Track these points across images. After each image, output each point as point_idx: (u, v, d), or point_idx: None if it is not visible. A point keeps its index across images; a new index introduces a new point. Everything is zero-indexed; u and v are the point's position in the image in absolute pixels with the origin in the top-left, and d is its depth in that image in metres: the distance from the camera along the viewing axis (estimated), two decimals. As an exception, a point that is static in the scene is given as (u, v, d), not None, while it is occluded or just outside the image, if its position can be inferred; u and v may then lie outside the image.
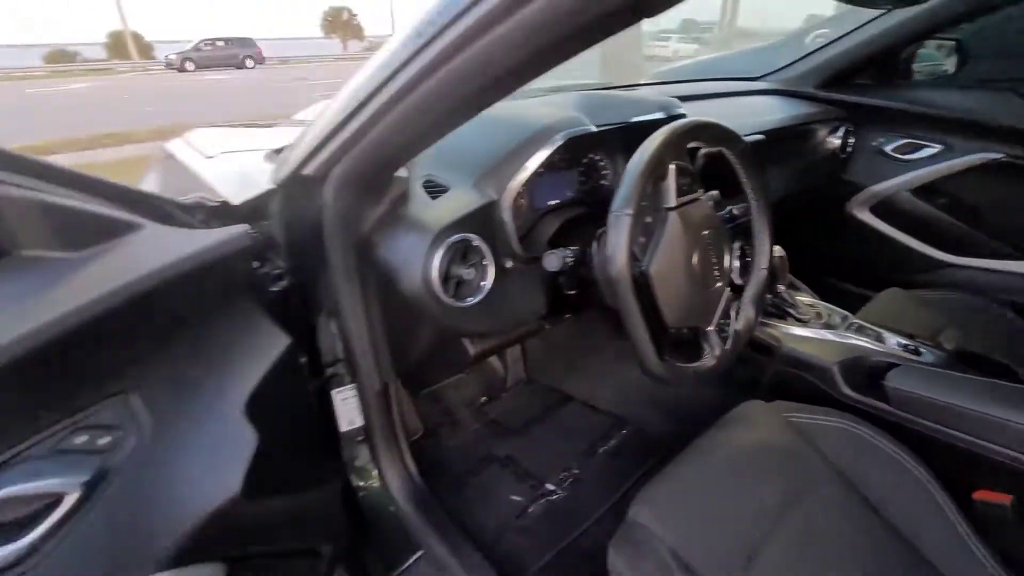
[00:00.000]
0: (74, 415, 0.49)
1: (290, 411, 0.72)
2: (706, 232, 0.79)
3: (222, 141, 1.16)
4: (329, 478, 0.83)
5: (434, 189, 0.82)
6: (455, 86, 0.50)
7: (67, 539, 0.46)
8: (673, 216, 0.74)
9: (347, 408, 0.99)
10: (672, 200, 0.74)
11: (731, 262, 0.85)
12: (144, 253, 0.52)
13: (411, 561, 0.95)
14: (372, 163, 0.68)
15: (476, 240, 0.77)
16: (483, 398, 1.52)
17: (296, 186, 0.76)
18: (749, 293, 0.89)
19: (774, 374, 1.08)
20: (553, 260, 0.79)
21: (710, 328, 0.81)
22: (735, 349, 0.83)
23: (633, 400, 1.41)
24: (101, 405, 0.51)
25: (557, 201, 0.99)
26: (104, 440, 0.50)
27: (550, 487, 1.21)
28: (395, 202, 0.79)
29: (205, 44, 19.17)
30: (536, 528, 1.11)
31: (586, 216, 0.98)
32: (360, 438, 1.00)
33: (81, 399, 0.50)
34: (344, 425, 0.99)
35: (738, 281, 0.90)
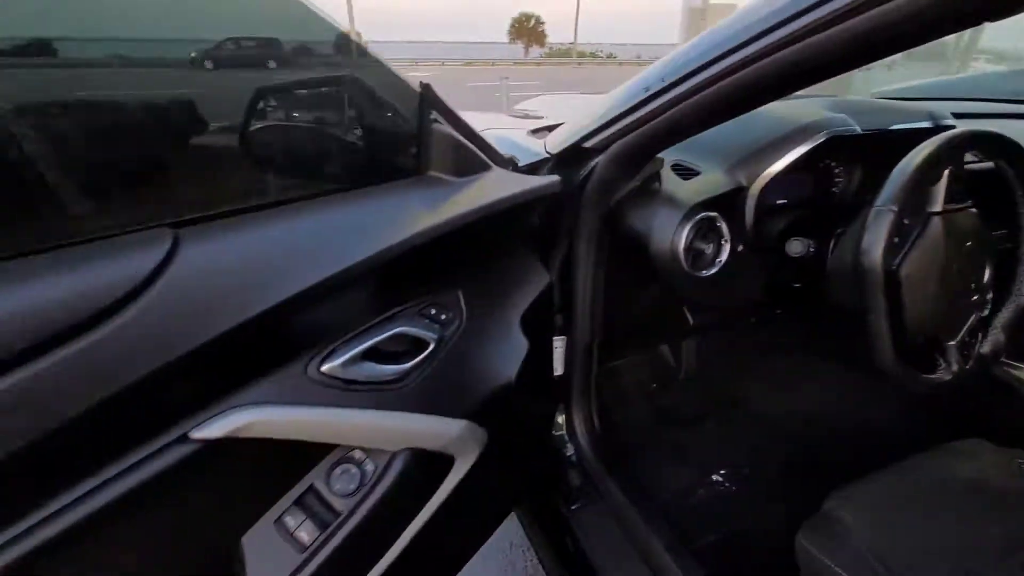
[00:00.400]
0: (430, 294, 0.69)
1: (540, 336, 0.87)
2: (968, 244, 0.77)
3: (473, 120, 1.39)
4: (548, 401, 0.98)
5: (684, 171, 0.92)
6: (750, 86, 0.58)
7: (423, 373, 0.65)
8: (936, 221, 0.74)
9: (554, 356, 1.14)
10: (939, 205, 0.74)
11: (990, 281, 0.82)
12: (492, 187, 0.70)
13: (588, 502, 1.07)
14: (648, 143, 0.80)
15: (720, 220, 0.86)
16: (653, 385, 1.59)
17: (570, 156, 0.92)
18: (1003, 317, 0.84)
19: (1009, 417, 0.99)
20: (797, 246, 0.84)
21: (951, 343, 0.79)
22: (976, 370, 0.80)
23: (815, 418, 1.36)
24: (444, 292, 0.71)
25: (785, 201, 1.03)
26: (444, 316, 0.70)
27: (717, 479, 1.24)
28: (647, 179, 0.91)
29: (229, 43, 21.14)
30: (702, 509, 1.16)
31: (813, 218, 1.00)
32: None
33: (435, 284, 0.70)
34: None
35: (986, 309, 0.85)
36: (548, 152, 0.98)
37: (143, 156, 0.50)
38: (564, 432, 1.16)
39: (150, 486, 0.46)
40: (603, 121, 0.84)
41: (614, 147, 0.83)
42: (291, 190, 0.56)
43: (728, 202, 0.88)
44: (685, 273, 0.85)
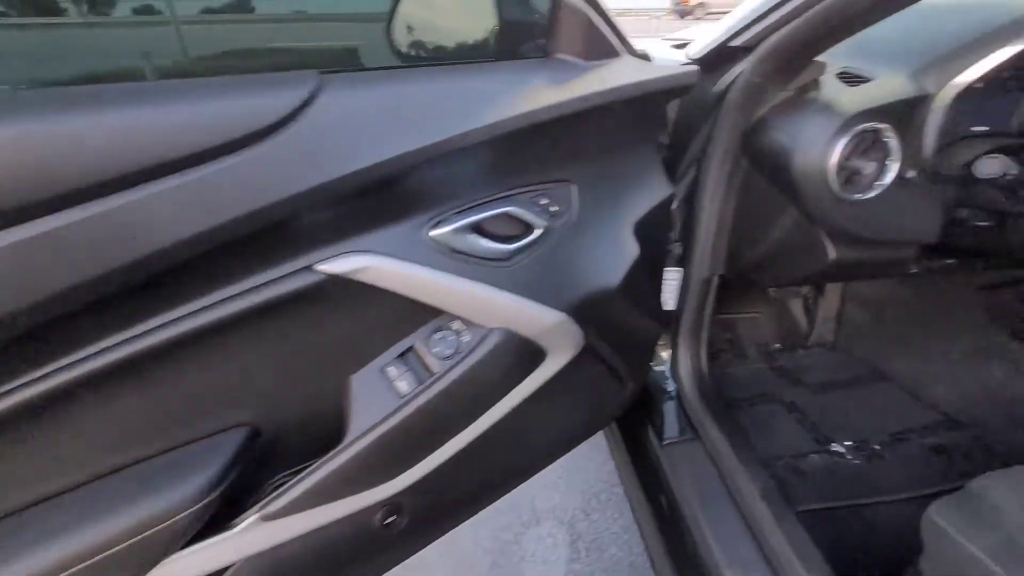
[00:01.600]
0: (541, 184, 0.68)
1: (654, 248, 0.83)
2: None
3: None
4: (654, 321, 0.94)
5: (852, 79, 0.79)
6: None
7: (528, 258, 0.66)
8: None
9: (667, 288, 1.08)
10: None
11: None
12: (621, 72, 0.66)
13: (683, 439, 1.02)
14: (807, 38, 0.69)
15: (888, 134, 0.72)
16: (776, 345, 1.45)
17: (713, 59, 0.83)
18: None
19: None
20: (991, 166, 0.68)
21: None
22: None
23: (984, 406, 1.14)
24: (556, 184, 0.70)
25: (986, 128, 0.84)
26: (555, 208, 0.69)
27: (839, 449, 1.11)
28: (803, 87, 0.80)
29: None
30: (813, 475, 1.05)
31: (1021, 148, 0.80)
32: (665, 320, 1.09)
33: (547, 174, 0.69)
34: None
35: None
36: (688, 58, 0.90)
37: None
38: (667, 368, 1.12)
39: (277, 306, 0.52)
40: (756, 14, 0.75)
41: (766, 44, 0.74)
42: (423, 56, 0.59)
43: (904, 114, 0.73)
44: (833, 194, 0.74)
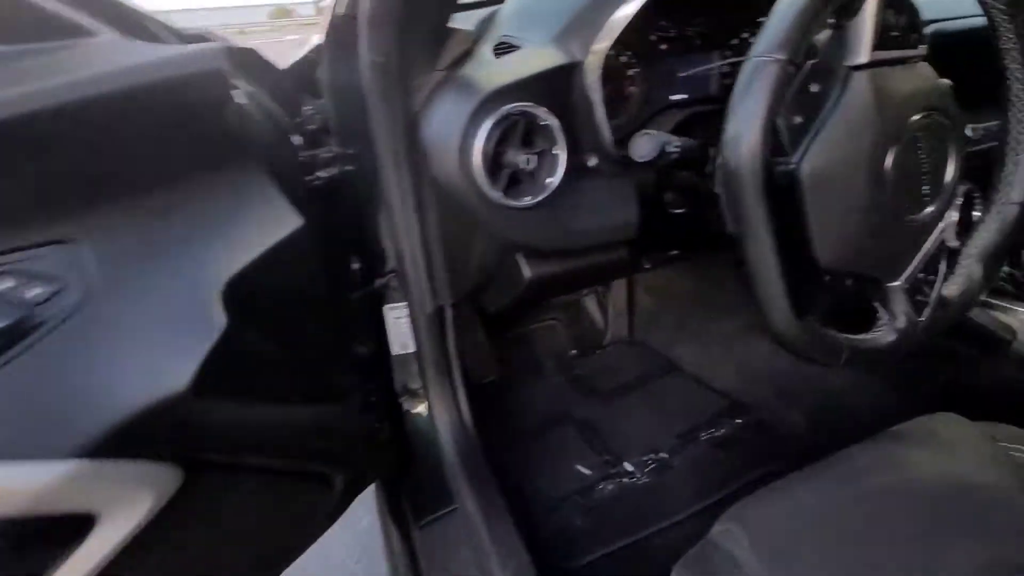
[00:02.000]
0: (3, 254, 0.41)
1: (290, 308, 0.60)
2: (919, 118, 0.47)
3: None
4: (348, 395, 0.71)
5: (505, 50, 0.62)
6: None
7: None
8: (861, 81, 0.44)
9: (400, 329, 0.87)
10: (864, 53, 0.44)
11: (955, 180, 0.52)
12: (90, 61, 0.42)
13: (442, 513, 0.82)
14: None
15: (545, 116, 0.56)
16: (573, 351, 1.33)
17: (338, 36, 0.62)
18: (980, 241, 0.55)
19: (996, 381, 0.71)
20: (644, 145, 0.53)
21: (896, 283, 0.51)
22: (936, 325, 0.52)
23: (761, 385, 1.10)
24: (40, 251, 0.43)
25: (686, 96, 0.73)
26: (35, 291, 0.42)
27: (629, 467, 0.99)
28: (452, 66, 0.61)
29: None
30: (601, 511, 0.92)
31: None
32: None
33: (13, 237, 0.42)
34: (396, 348, 0.88)
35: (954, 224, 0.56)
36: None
37: None
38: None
39: None
40: None
41: (363, 6, 0.54)
42: None
43: (561, 88, 0.58)
44: (492, 202, 0.56)
